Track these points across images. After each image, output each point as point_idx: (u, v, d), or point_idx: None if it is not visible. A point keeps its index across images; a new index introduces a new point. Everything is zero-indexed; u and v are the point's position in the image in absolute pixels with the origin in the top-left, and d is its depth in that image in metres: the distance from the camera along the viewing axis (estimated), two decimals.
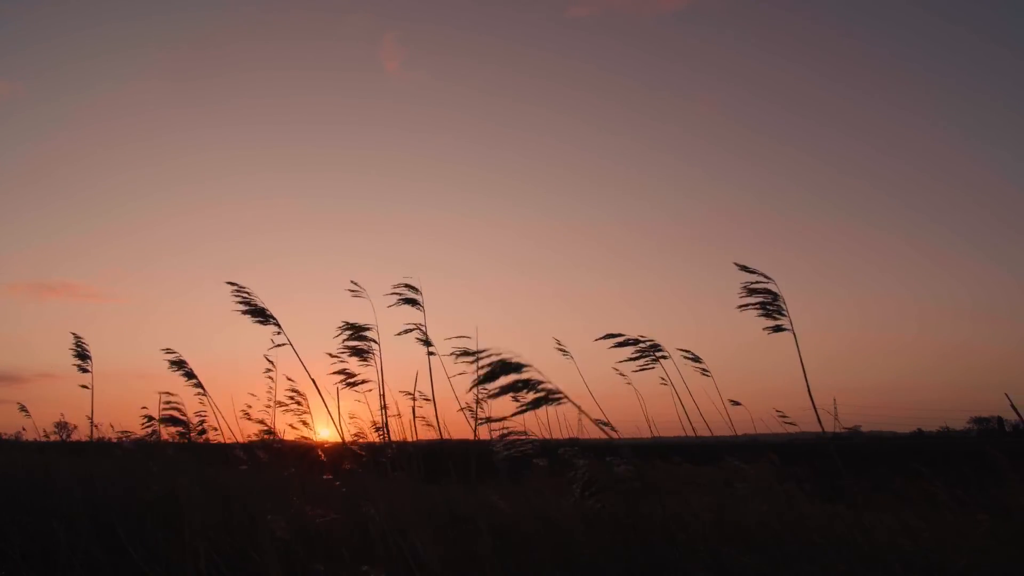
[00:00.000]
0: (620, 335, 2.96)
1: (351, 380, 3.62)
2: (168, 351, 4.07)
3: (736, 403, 4.78)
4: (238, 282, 3.34)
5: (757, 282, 2.85)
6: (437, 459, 4.50)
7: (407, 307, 3.61)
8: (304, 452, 5.33)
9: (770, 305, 2.84)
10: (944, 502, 3.37)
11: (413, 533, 2.66)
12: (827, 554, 2.68)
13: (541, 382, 1.68)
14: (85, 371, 4.63)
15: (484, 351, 1.73)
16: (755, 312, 2.86)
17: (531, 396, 1.71)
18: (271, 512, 3.00)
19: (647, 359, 3.04)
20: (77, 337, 4.50)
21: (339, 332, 3.43)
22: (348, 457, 4.51)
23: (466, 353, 3.00)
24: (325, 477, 4.43)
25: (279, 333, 3.37)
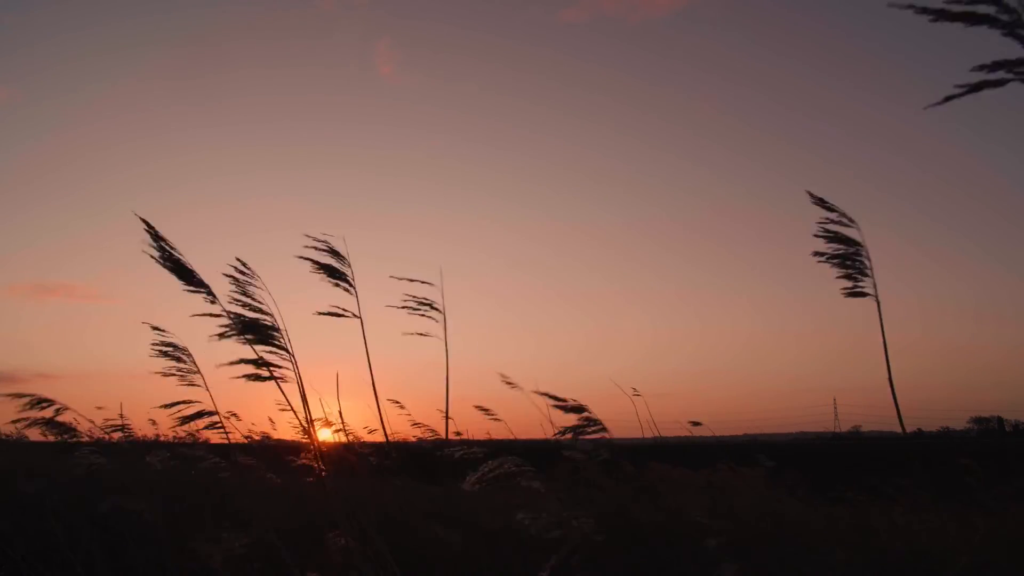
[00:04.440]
0: (559, 399, 2.29)
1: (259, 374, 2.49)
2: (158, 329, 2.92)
3: (697, 423, 4.87)
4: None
5: (839, 221, 2.05)
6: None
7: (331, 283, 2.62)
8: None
9: (851, 260, 2.05)
10: (942, 503, 3.37)
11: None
12: (825, 556, 2.69)
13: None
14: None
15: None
16: (833, 270, 2.05)
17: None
18: None
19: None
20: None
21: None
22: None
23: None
24: None
25: (213, 302, 2.35)
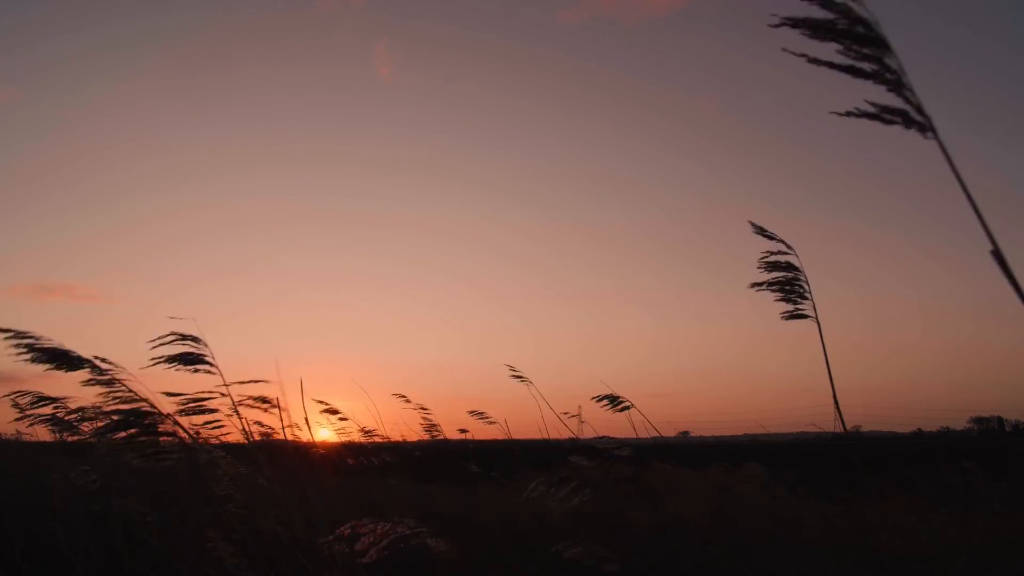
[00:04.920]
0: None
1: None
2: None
3: (686, 433, 4.81)
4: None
5: (778, 252, 2.21)
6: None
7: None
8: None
9: (789, 285, 2.19)
10: (941, 504, 3.37)
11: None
12: (823, 557, 2.69)
13: None
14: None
15: None
16: (772, 295, 2.20)
17: None
18: None
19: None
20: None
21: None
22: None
23: None
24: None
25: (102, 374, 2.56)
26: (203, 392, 3.00)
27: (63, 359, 2.51)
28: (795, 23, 1.08)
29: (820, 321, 2.17)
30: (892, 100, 1.08)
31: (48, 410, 3.33)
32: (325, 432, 5.01)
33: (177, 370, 2.66)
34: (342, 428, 5.37)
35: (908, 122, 1.08)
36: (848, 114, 1.09)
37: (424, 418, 5.12)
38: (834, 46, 1.10)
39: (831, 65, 1.09)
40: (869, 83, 1.09)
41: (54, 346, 2.50)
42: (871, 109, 1.07)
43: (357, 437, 5.30)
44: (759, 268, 2.21)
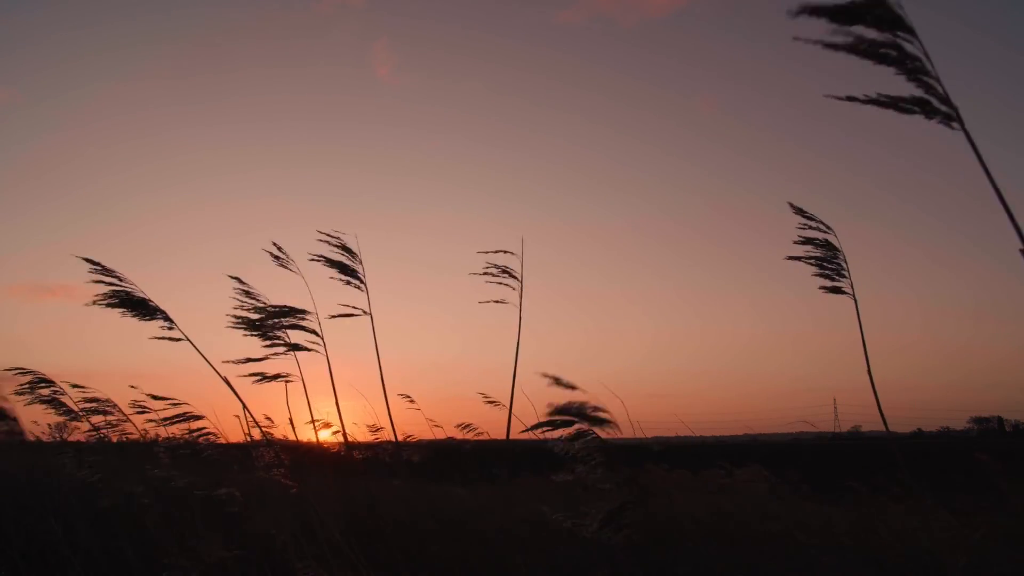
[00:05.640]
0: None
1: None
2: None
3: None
4: (102, 262, 2.42)
5: (815, 227, 2.26)
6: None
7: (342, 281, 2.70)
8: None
9: (828, 261, 2.24)
10: (942, 503, 3.36)
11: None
12: (824, 557, 2.68)
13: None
14: None
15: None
16: (810, 269, 2.25)
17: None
18: None
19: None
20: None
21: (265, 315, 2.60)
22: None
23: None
24: None
25: (171, 328, 2.54)
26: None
27: (141, 307, 2.49)
28: (813, 10, 1.01)
29: (857, 297, 2.19)
30: (912, 89, 1.03)
31: (46, 392, 3.33)
32: (326, 433, 5.00)
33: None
34: (348, 428, 5.35)
35: (930, 112, 1.03)
36: (858, 100, 1.03)
37: (427, 418, 5.12)
38: (852, 33, 1.04)
39: (849, 49, 1.03)
40: (885, 75, 1.03)
41: (133, 290, 2.47)
42: (883, 98, 1.03)
43: (363, 437, 5.30)
44: (796, 241, 2.25)
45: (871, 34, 1.02)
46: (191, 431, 3.35)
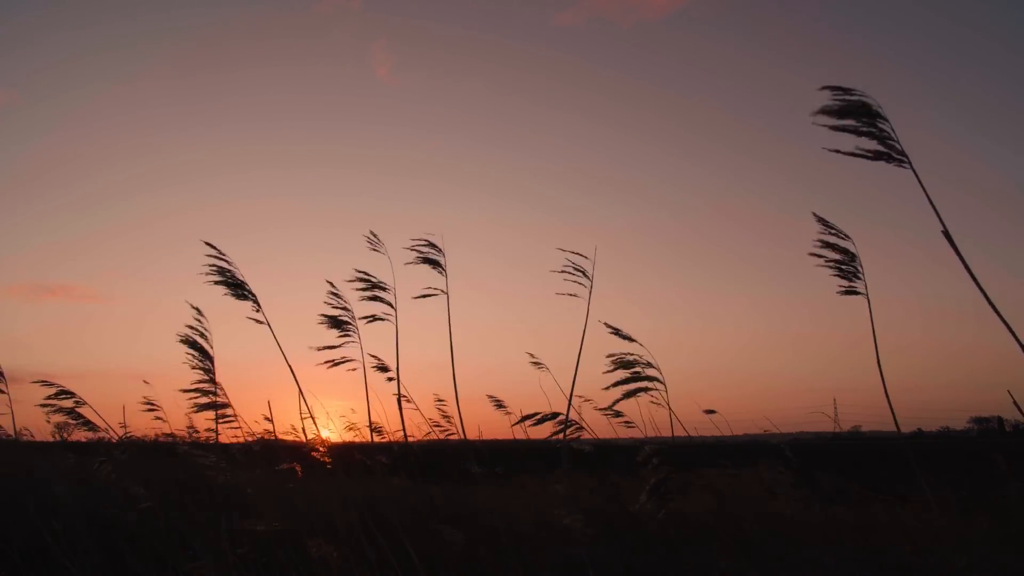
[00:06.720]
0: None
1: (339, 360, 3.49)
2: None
3: (711, 411, 4.76)
4: (217, 247, 3.10)
5: (834, 233, 2.52)
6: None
7: (426, 267, 3.52)
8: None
9: (846, 264, 2.49)
10: (943, 504, 3.35)
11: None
12: (826, 557, 2.68)
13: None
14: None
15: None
16: (817, 272, 2.50)
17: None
18: None
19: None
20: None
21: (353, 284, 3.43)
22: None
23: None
24: None
25: (258, 310, 3.12)
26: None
27: (239, 288, 3.10)
28: (823, 111, 1.95)
29: (871, 299, 2.47)
30: (877, 146, 1.99)
31: (69, 403, 3.39)
32: (327, 432, 4.99)
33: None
34: (350, 427, 5.37)
35: (889, 160, 1.97)
36: (841, 152, 1.98)
37: (428, 418, 5.11)
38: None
39: (845, 129, 1.97)
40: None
41: (236, 272, 3.06)
42: (862, 152, 1.98)
43: (363, 437, 5.30)
44: (815, 244, 2.54)
45: (859, 125, 1.96)
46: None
